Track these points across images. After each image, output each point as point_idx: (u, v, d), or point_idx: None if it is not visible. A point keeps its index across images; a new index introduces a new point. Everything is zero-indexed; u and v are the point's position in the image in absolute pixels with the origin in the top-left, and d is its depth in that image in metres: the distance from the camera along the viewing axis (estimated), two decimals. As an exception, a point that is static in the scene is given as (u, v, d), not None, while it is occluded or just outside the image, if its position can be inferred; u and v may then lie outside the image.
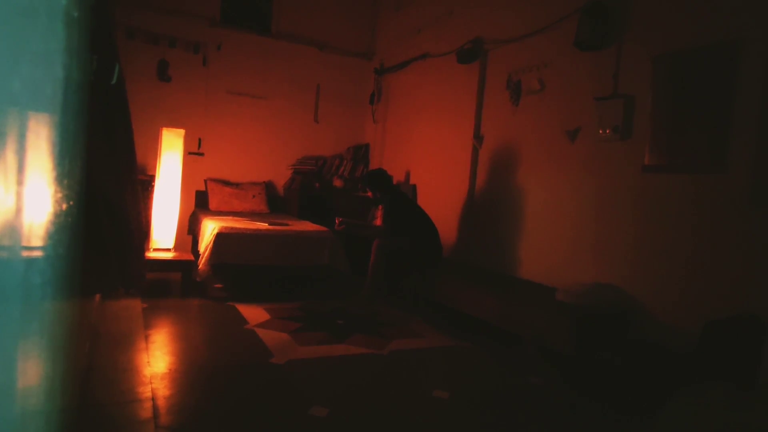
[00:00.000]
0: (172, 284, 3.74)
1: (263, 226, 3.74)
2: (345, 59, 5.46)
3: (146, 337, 2.56)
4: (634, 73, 2.73)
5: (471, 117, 3.97)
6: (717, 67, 2.33)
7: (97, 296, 2.58)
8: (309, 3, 5.27)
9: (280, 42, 5.15)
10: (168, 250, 3.72)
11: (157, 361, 2.27)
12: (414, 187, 4.62)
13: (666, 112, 2.55)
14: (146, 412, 1.78)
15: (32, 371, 0.93)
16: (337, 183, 5.26)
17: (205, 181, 4.83)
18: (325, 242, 3.75)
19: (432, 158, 4.46)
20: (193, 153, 4.76)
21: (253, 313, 3.15)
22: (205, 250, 3.44)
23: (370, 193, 3.74)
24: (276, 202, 5.11)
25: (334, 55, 5.40)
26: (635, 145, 2.70)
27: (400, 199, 3.71)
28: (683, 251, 2.44)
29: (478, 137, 3.91)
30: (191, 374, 2.18)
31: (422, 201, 4.34)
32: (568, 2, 3.08)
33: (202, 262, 3.41)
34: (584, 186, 3.00)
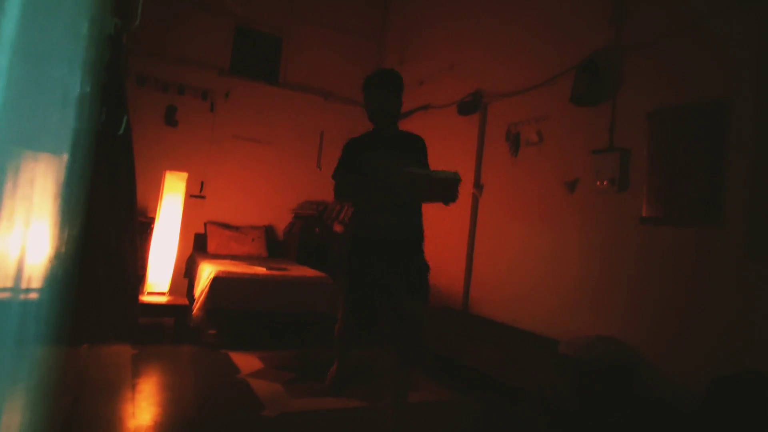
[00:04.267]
0: (164, 329, 3.66)
1: (261, 270, 3.70)
2: (349, 108, 5.61)
3: (133, 386, 2.47)
4: (630, 127, 2.79)
5: (471, 166, 4.02)
6: (709, 124, 2.39)
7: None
8: (316, 55, 5.47)
9: (286, 91, 5.31)
10: (163, 294, 3.67)
11: (142, 412, 2.18)
12: (414, 234, 4.61)
13: (662, 166, 2.59)
14: (129, 468, 1.69)
15: (9, 420, 0.88)
16: (338, 228, 5.26)
17: (205, 224, 4.83)
18: (324, 289, 3.71)
19: (432, 206, 4.48)
20: (194, 196, 4.79)
21: (247, 362, 3.06)
22: (201, 294, 3.39)
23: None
24: (275, 246, 5.09)
25: (339, 104, 5.56)
26: (632, 197, 2.72)
27: None
28: (684, 304, 2.40)
29: (478, 186, 3.95)
30: (177, 427, 2.09)
31: (422, 248, 4.32)
32: (564, 60, 3.20)
33: (196, 307, 3.36)
34: (584, 236, 3.00)
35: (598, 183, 2.89)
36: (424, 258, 2.12)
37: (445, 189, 1.87)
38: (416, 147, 2.21)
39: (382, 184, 1.97)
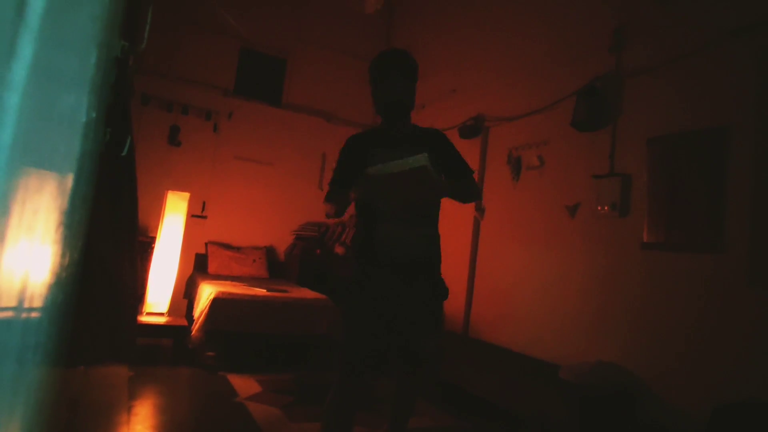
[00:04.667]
0: (162, 351, 3.62)
1: (261, 292, 3.68)
2: (351, 130, 5.66)
3: (129, 409, 2.43)
4: (630, 153, 2.81)
5: (472, 189, 4.03)
6: (708, 151, 2.40)
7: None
8: (319, 77, 5.55)
9: (289, 112, 5.37)
10: (162, 314, 3.64)
11: (138, 436, 2.14)
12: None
13: (662, 192, 2.59)
14: (121, 496, 1.65)
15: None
16: (339, 250, 5.25)
17: (206, 244, 4.83)
18: (324, 311, 3.67)
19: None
20: (196, 216, 4.80)
21: (245, 385, 3.02)
22: (200, 315, 3.36)
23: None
24: (276, 267, 5.07)
25: (341, 125, 5.61)
26: (633, 222, 2.72)
27: None
28: (686, 331, 2.38)
29: (479, 209, 3.95)
30: (173, 453, 2.04)
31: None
32: (565, 85, 3.24)
33: (195, 328, 3.32)
34: (585, 261, 2.98)
35: (599, 208, 2.89)
36: (443, 282, 1.85)
37: (420, 182, 1.49)
38: (438, 143, 1.85)
39: (357, 195, 1.65)
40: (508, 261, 3.59)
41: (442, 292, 1.84)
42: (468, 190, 1.88)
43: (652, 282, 2.57)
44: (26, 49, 0.40)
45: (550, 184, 3.34)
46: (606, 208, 2.84)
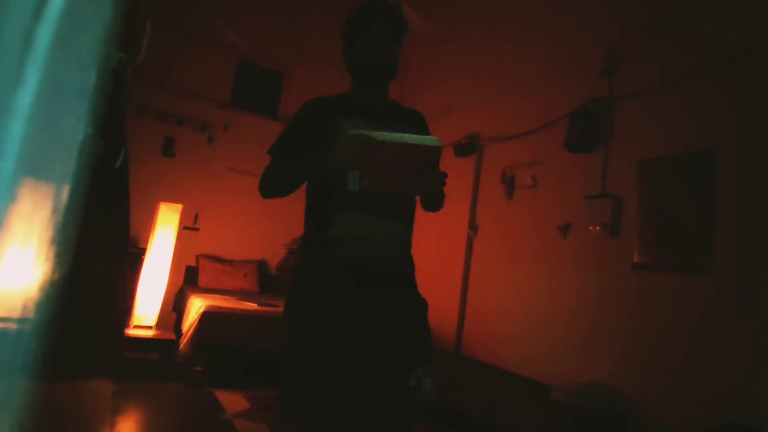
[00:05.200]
0: (149, 365, 3.55)
1: (252, 306, 3.64)
2: (345, 145, 5.68)
3: (112, 425, 2.37)
4: (622, 175, 2.84)
5: (467, 207, 4.05)
6: (698, 175, 2.44)
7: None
8: (316, 91, 5.49)
9: (285, 125, 5.39)
10: (149, 327, 3.58)
11: (121, 453, 2.08)
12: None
13: (653, 213, 2.62)
14: None
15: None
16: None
17: (197, 256, 4.78)
18: (314, 326, 3.63)
19: (427, 244, 4.48)
20: (188, 228, 4.76)
21: (233, 401, 2.96)
22: (189, 329, 3.31)
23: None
24: (268, 281, 5.03)
25: (336, 141, 5.63)
26: (624, 242, 2.74)
27: None
28: (677, 352, 2.38)
29: (473, 227, 3.96)
30: (156, 471, 1.99)
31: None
32: (559, 107, 3.28)
33: (184, 342, 3.27)
34: (577, 280, 2.99)
35: (590, 228, 2.91)
36: (418, 292, 1.42)
37: (424, 166, 1.16)
38: (423, 130, 1.51)
39: (325, 160, 1.19)
40: (501, 279, 3.59)
41: (423, 303, 1.39)
42: (441, 195, 1.41)
43: (642, 303, 2.58)
44: (32, 78, 0.40)
45: (543, 204, 3.36)
46: (598, 228, 2.86)
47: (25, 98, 0.39)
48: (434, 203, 1.40)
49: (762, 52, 2.23)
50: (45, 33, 0.40)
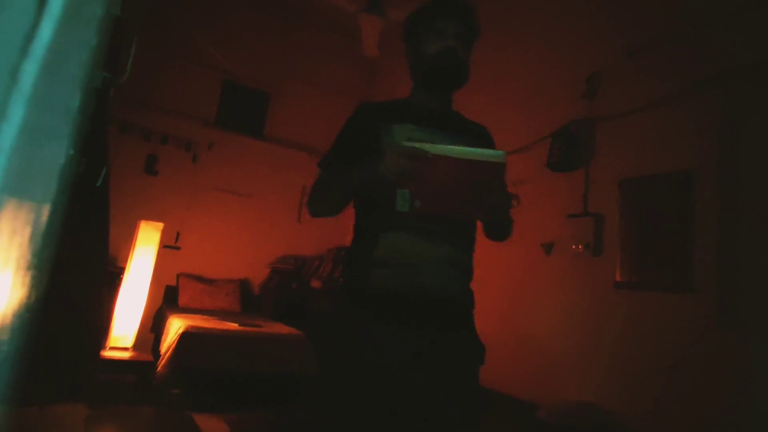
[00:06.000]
0: (125, 387, 3.43)
1: (233, 326, 3.57)
2: (331, 164, 5.68)
3: (86, 453, 2.27)
4: (603, 194, 2.89)
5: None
6: (676, 194, 2.50)
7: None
8: (302, 112, 5.61)
9: (270, 145, 5.38)
10: (126, 349, 3.47)
11: (93, 483, 1.99)
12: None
13: (634, 232, 2.66)
14: None
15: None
16: (315, 284, 5.16)
17: (178, 275, 4.69)
18: (300, 346, 3.57)
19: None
20: (169, 246, 4.67)
21: (212, 426, 2.87)
22: (168, 350, 3.22)
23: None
24: (250, 301, 4.94)
25: (321, 159, 5.63)
26: (606, 261, 2.77)
27: None
28: (661, 371, 2.39)
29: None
30: (131, 501, 1.90)
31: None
32: (542, 128, 3.35)
33: (162, 363, 3.18)
34: (560, 299, 3.01)
35: (573, 246, 2.94)
36: (477, 336, 1.24)
37: (489, 185, 1.01)
38: (482, 137, 1.41)
39: (370, 173, 1.03)
40: (485, 296, 3.58)
41: (481, 352, 1.19)
42: (509, 222, 1.24)
43: (625, 321, 2.60)
44: (17, 113, 0.41)
45: (526, 222, 3.39)
46: (580, 247, 2.90)
47: (9, 132, 0.39)
48: (500, 230, 1.23)
49: (735, 77, 2.32)
50: (30, 70, 0.40)
